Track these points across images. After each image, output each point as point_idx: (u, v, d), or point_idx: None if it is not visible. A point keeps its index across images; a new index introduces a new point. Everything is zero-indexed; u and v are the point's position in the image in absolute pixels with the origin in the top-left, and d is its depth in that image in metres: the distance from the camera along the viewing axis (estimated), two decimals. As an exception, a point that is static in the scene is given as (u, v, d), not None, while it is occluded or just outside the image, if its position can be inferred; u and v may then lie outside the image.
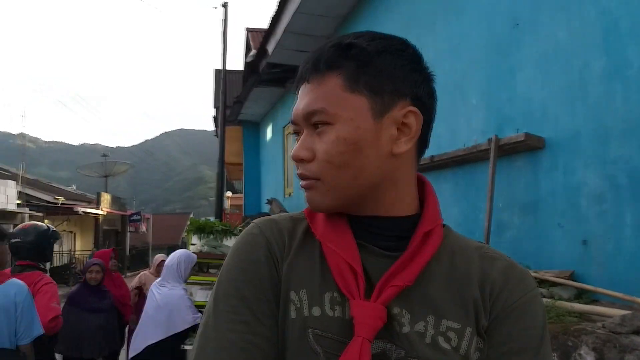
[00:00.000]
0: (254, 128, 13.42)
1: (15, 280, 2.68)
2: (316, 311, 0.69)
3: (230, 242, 5.52)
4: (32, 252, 3.26)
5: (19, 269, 3.19)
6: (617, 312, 2.29)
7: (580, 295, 2.74)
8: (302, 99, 0.74)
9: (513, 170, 3.47)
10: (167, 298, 3.45)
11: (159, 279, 3.80)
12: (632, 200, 2.61)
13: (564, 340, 2.17)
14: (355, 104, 0.70)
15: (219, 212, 10.55)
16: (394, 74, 0.72)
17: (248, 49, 10.82)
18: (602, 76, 2.87)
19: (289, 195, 10.34)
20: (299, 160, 0.74)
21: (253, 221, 0.80)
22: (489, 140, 3.42)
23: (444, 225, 0.79)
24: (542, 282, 2.94)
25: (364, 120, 0.70)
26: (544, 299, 2.63)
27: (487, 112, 3.82)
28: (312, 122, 0.72)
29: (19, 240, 3.27)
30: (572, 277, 2.84)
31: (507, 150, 3.38)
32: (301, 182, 0.75)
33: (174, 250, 3.97)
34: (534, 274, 2.97)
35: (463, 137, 4.00)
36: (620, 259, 2.65)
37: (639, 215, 2.57)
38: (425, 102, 0.76)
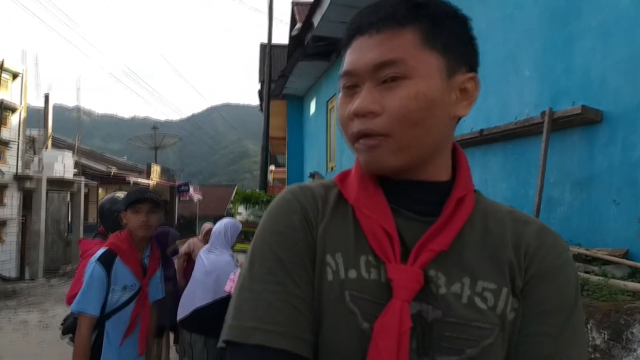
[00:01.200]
0: (297, 102, 13.44)
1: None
2: (352, 274, 0.70)
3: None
4: (103, 221, 3.54)
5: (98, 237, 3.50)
6: (674, 292, 2.20)
7: (635, 275, 2.64)
8: (369, 50, 0.70)
9: (567, 145, 3.34)
10: (215, 264, 3.57)
11: (207, 246, 3.93)
12: (697, 177, 2.47)
13: (616, 318, 2.11)
14: (430, 61, 0.70)
15: (264, 184, 10.72)
16: (462, 39, 0.74)
17: (293, 22, 10.77)
18: (669, 45, 2.69)
19: (332, 169, 10.36)
20: (366, 113, 0.70)
21: (286, 188, 0.80)
22: (543, 113, 3.30)
23: (475, 190, 0.82)
24: (594, 260, 2.85)
25: (438, 79, 0.70)
26: (596, 277, 2.55)
27: (541, 85, 3.67)
28: (382, 74, 0.69)
29: (101, 208, 3.56)
30: (626, 255, 2.74)
31: (562, 124, 3.25)
32: (362, 141, 0.72)
33: (220, 220, 4.09)
34: (585, 252, 2.88)
35: (514, 111, 3.87)
36: (680, 238, 2.53)
37: (703, 193, 2.43)
38: (476, 72, 0.77)
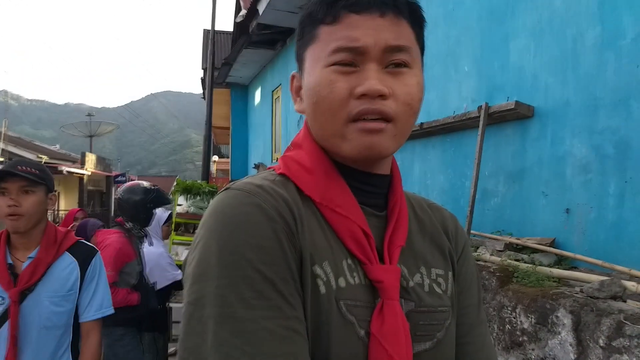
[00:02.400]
0: (242, 91, 13.24)
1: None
2: (342, 282, 0.67)
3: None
4: (121, 211, 3.26)
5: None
6: (596, 278, 2.35)
7: (560, 262, 2.81)
8: (382, 31, 0.67)
9: (501, 139, 3.48)
10: (147, 256, 3.45)
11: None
12: (617, 171, 2.65)
13: (542, 303, 2.23)
14: (419, 55, 0.73)
15: (206, 175, 10.51)
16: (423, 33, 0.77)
17: (238, 9, 10.55)
18: (594, 46, 2.86)
19: (277, 160, 10.30)
20: (379, 95, 0.66)
21: (236, 188, 0.68)
22: (479, 107, 3.42)
23: None
24: (523, 249, 2.99)
25: (422, 73, 0.74)
26: (525, 265, 2.68)
27: (479, 80, 3.80)
28: (391, 58, 0.68)
29: (119, 197, 3.29)
30: (553, 244, 2.90)
31: (497, 119, 3.39)
32: (366, 124, 0.67)
33: None
34: (515, 241, 3.03)
35: (453, 105, 3.99)
36: (602, 227, 2.71)
37: (622, 185, 2.61)
38: None
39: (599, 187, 2.73)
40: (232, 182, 0.72)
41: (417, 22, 0.72)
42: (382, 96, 0.66)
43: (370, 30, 0.67)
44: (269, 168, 0.79)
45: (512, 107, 3.14)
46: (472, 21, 3.88)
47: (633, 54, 2.65)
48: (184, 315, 0.63)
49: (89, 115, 29.61)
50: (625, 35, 2.70)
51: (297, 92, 0.79)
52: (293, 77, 0.80)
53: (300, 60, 0.76)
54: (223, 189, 0.71)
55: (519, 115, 3.23)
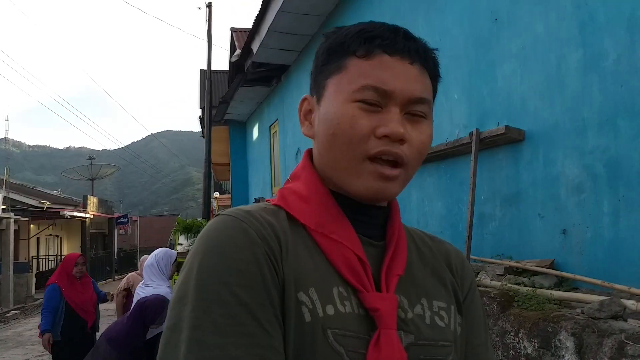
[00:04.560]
0: (240, 128, 13.39)
1: None
2: (330, 310, 0.64)
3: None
4: None
5: None
6: (596, 298, 2.34)
7: (561, 284, 2.79)
8: (413, 81, 0.70)
9: (494, 163, 3.51)
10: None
11: (143, 280, 3.79)
12: (609, 189, 2.67)
13: (544, 326, 2.21)
14: (432, 107, 0.75)
15: (207, 212, 10.52)
16: None
17: (233, 48, 10.79)
18: (578, 68, 2.93)
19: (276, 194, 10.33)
20: (400, 139, 0.68)
21: (225, 214, 0.68)
22: (471, 133, 3.47)
23: None
24: (523, 272, 2.98)
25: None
26: (525, 288, 2.67)
27: (469, 106, 3.86)
28: (414, 108, 0.70)
29: None
30: (552, 266, 2.89)
31: (488, 144, 3.43)
32: (386, 171, 0.68)
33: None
34: (515, 264, 3.02)
35: (446, 132, 4.04)
36: (599, 246, 2.71)
37: (616, 203, 2.63)
38: None
39: (593, 206, 2.74)
40: (222, 210, 0.71)
41: (435, 75, 0.75)
42: (401, 140, 0.67)
43: (401, 77, 0.68)
44: (267, 200, 0.78)
45: (503, 131, 3.18)
46: (459, 49, 3.97)
47: (616, 75, 2.71)
48: (161, 341, 0.61)
49: (90, 158, 29.85)
50: (607, 56, 2.77)
51: (307, 115, 0.77)
52: (305, 99, 0.78)
53: (319, 86, 0.74)
54: (215, 214, 0.71)
55: (510, 139, 3.27)
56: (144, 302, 3.25)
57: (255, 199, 11.75)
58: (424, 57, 0.71)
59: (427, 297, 0.74)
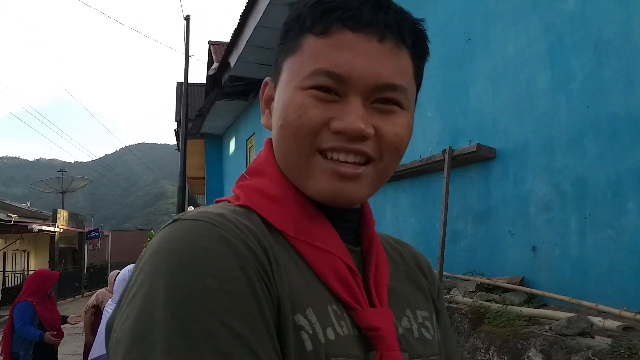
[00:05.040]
0: (216, 141, 13.32)
1: None
2: (330, 334, 0.53)
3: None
4: None
5: None
6: (564, 315, 2.37)
7: (531, 300, 2.83)
8: (378, 63, 0.56)
9: (466, 180, 3.56)
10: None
11: (112, 297, 3.69)
12: (576, 208, 2.73)
13: (514, 343, 2.23)
14: (414, 95, 0.62)
15: (180, 226, 10.34)
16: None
17: (210, 62, 10.77)
18: (547, 89, 3.01)
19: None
20: (361, 135, 0.55)
21: (189, 219, 0.53)
22: (444, 151, 3.51)
23: None
24: (494, 289, 3.01)
25: (413, 114, 0.64)
26: (496, 305, 2.69)
27: (442, 125, 3.92)
28: (381, 95, 0.57)
29: None
30: (522, 282, 2.93)
31: (461, 161, 3.48)
32: (342, 168, 0.56)
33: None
34: (486, 281, 3.05)
35: (419, 149, 4.09)
36: (567, 264, 2.75)
37: (582, 221, 2.69)
38: None
39: (561, 224, 2.80)
40: (180, 214, 0.56)
41: (419, 54, 0.60)
42: (362, 137, 0.55)
43: (362, 58, 0.55)
44: (218, 201, 0.64)
45: (475, 149, 3.24)
46: (433, 69, 4.05)
47: (583, 96, 2.79)
48: None
49: (61, 170, 29.22)
50: (575, 78, 2.86)
51: (268, 103, 0.66)
52: (265, 84, 0.67)
53: (276, 69, 0.62)
54: (169, 222, 0.55)
55: (481, 157, 3.33)
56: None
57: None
58: (398, 32, 0.56)
59: (410, 308, 0.66)
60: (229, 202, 0.61)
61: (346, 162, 0.56)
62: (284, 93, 0.58)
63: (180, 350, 0.43)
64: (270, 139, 0.65)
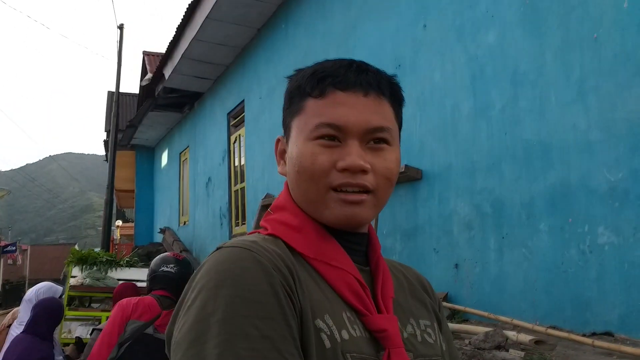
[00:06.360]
0: (148, 153, 12.92)
1: None
2: (345, 334, 0.67)
3: (116, 273, 5.17)
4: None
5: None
6: (483, 329, 2.51)
7: (454, 316, 2.96)
8: (367, 113, 0.73)
9: (396, 199, 3.70)
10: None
11: (18, 318, 3.35)
12: (495, 227, 2.91)
13: (436, 358, 2.33)
14: (398, 133, 0.79)
15: (107, 242, 9.88)
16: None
17: (144, 72, 10.48)
18: (469, 115, 3.20)
19: (184, 223, 10.00)
20: (361, 170, 0.71)
21: (229, 246, 0.69)
22: (375, 170, 3.63)
23: None
24: (420, 305, 3.13)
25: (399, 149, 0.80)
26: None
27: (374, 145, 4.06)
28: (373, 136, 0.73)
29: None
30: (446, 298, 3.07)
31: (391, 181, 3.61)
32: (349, 197, 0.71)
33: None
34: (413, 297, 3.16)
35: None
36: (486, 280, 2.92)
37: (500, 240, 2.87)
38: None
39: (481, 243, 2.97)
40: (222, 243, 0.73)
41: (397, 101, 0.78)
42: (363, 171, 0.71)
43: (354, 110, 0.72)
44: (250, 233, 0.80)
45: (403, 170, 3.37)
46: (366, 91, 4.19)
47: (501, 123, 3.00)
48: None
49: (-25, 180, 27.09)
50: (494, 106, 3.07)
51: (282, 155, 0.82)
52: (278, 140, 0.83)
53: (286, 128, 0.80)
54: (214, 250, 0.70)
55: (409, 177, 3.47)
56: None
57: (160, 228, 11.28)
58: (378, 87, 0.74)
59: (414, 317, 0.79)
60: (259, 233, 0.78)
61: (353, 192, 0.71)
62: (296, 145, 0.74)
63: (224, 345, 0.58)
64: (287, 182, 0.82)
